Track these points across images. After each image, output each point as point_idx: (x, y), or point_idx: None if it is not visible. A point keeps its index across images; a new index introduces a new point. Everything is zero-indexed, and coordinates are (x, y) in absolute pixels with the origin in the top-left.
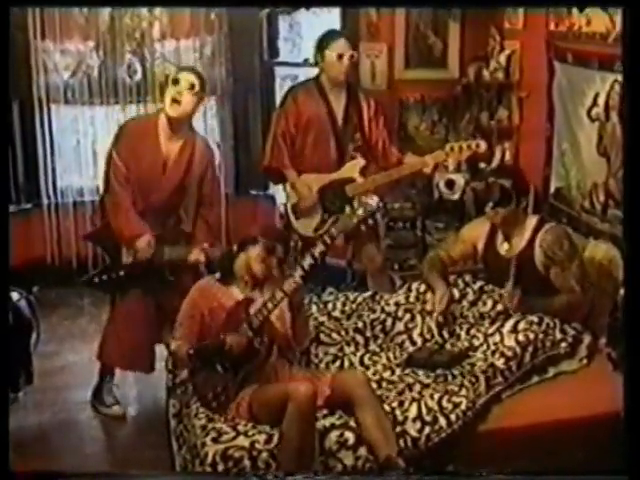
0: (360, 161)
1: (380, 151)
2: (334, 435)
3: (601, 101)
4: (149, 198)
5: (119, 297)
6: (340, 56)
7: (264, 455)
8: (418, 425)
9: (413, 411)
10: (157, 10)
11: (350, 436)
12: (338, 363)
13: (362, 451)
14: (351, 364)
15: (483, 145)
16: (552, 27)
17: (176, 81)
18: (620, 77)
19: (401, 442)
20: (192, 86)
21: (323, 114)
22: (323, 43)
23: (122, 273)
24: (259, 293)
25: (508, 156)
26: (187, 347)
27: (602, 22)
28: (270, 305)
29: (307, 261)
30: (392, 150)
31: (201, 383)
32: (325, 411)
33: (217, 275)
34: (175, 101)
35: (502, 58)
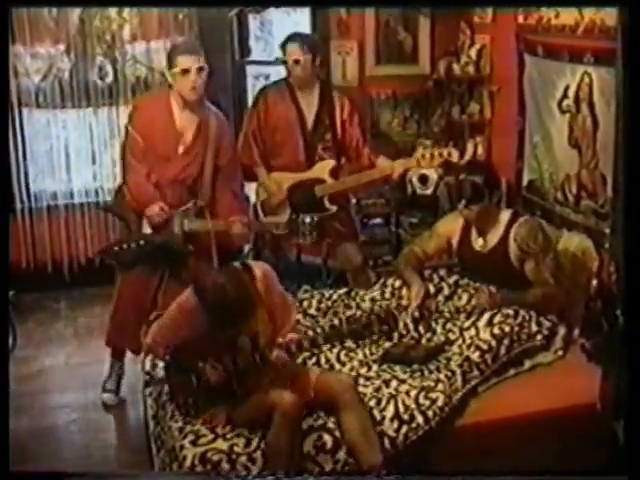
0: (330, 162)
1: (353, 152)
2: (312, 438)
3: (571, 93)
4: (166, 172)
5: (125, 272)
6: (285, 61)
7: (243, 459)
8: (395, 425)
9: (390, 410)
10: (126, 12)
11: (328, 439)
12: (314, 360)
13: (341, 454)
14: (327, 360)
15: (455, 153)
16: (521, 20)
17: (186, 71)
18: (590, 68)
19: (379, 443)
20: (200, 69)
21: (292, 114)
22: (282, 45)
23: (142, 242)
24: None
25: (480, 150)
26: (163, 350)
27: (571, 14)
28: (257, 358)
29: None
30: (365, 151)
31: (176, 386)
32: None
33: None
34: (193, 88)
35: (472, 52)
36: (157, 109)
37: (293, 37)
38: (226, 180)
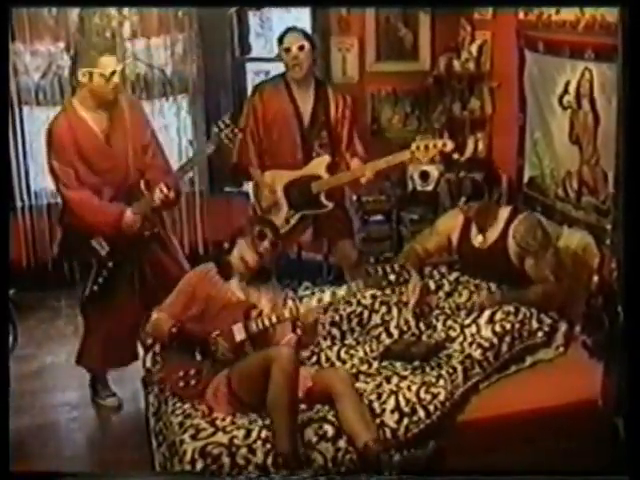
0: (326, 158)
1: (344, 150)
2: (312, 428)
3: (572, 89)
4: (112, 178)
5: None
6: (287, 50)
7: (243, 451)
8: (396, 416)
9: (391, 403)
10: (126, 9)
11: (329, 428)
12: (315, 358)
13: (342, 443)
14: (327, 359)
15: (450, 144)
16: (522, 16)
17: (112, 74)
18: (590, 64)
19: (380, 433)
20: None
21: (289, 111)
22: (279, 40)
23: (110, 264)
24: (258, 292)
25: (481, 146)
26: (170, 324)
27: (571, 10)
28: (274, 319)
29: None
30: (357, 149)
31: (172, 365)
32: (303, 406)
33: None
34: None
35: (473, 48)
36: (68, 126)
37: (292, 28)
38: (153, 157)
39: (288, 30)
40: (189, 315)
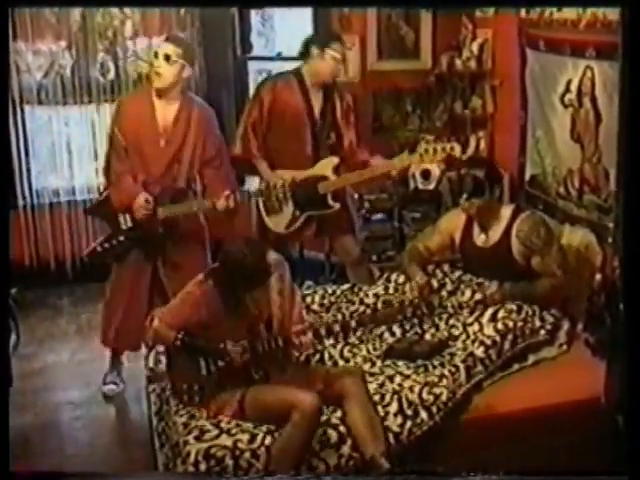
0: (334, 159)
1: (347, 152)
2: (316, 433)
3: (573, 87)
4: (151, 167)
5: (117, 268)
6: (335, 59)
7: (246, 455)
8: (400, 420)
9: (394, 406)
10: (128, 8)
11: (333, 434)
12: (318, 357)
13: (345, 449)
14: (331, 357)
15: (457, 148)
16: (523, 15)
17: (155, 54)
18: (592, 62)
19: (384, 438)
20: (167, 57)
21: (301, 108)
22: (316, 40)
23: (122, 238)
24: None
25: (483, 145)
26: (174, 333)
27: (573, 9)
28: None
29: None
30: (361, 150)
31: (177, 371)
32: None
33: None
34: (156, 74)
35: (474, 47)
36: (139, 105)
37: (332, 34)
38: (216, 170)
39: (338, 38)
40: (192, 325)
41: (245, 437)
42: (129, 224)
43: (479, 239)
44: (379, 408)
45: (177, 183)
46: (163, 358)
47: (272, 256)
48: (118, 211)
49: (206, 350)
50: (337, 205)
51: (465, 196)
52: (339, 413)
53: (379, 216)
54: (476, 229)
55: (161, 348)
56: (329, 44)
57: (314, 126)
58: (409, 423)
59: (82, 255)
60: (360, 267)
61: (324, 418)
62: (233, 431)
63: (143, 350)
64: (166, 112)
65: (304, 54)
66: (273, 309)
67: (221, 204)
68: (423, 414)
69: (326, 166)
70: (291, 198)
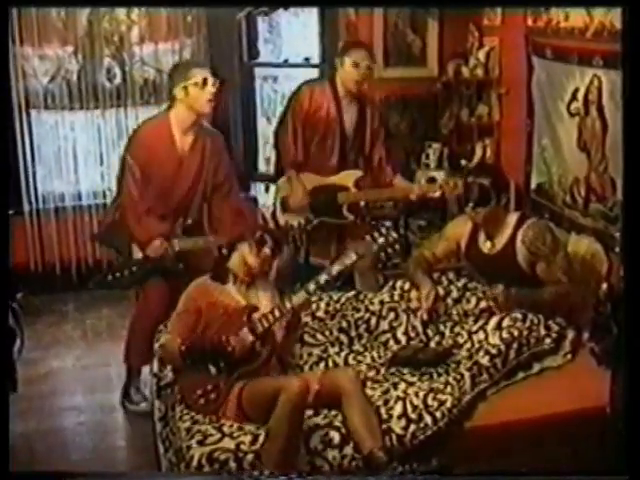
0: (357, 172)
1: (375, 166)
2: (319, 434)
3: (580, 96)
4: (169, 198)
5: (139, 291)
6: (356, 65)
7: (250, 457)
8: (403, 423)
9: (398, 409)
10: (135, 13)
11: (335, 435)
12: (323, 364)
13: (348, 450)
14: (335, 365)
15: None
16: (530, 23)
17: (205, 81)
18: (599, 71)
19: (386, 440)
20: (216, 81)
21: (333, 117)
22: (345, 49)
23: (135, 269)
24: (256, 294)
25: (489, 153)
26: (179, 342)
27: (580, 17)
28: (277, 314)
29: (322, 277)
30: (386, 168)
31: (188, 383)
32: (310, 412)
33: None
34: (210, 100)
35: (481, 55)
36: (158, 135)
37: (362, 44)
38: (224, 196)
39: (358, 45)
40: (196, 328)
41: (247, 439)
42: (140, 255)
43: (485, 246)
44: (382, 411)
45: (191, 214)
46: (174, 375)
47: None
48: (131, 240)
49: (206, 346)
50: (351, 216)
51: (471, 205)
52: (341, 417)
53: (385, 224)
54: (482, 236)
55: None
56: (349, 52)
57: (343, 137)
58: (413, 427)
59: (89, 285)
60: (369, 274)
61: (326, 420)
62: (235, 434)
63: None
64: (184, 141)
65: (334, 64)
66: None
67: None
68: (427, 419)
69: (349, 177)
70: (310, 202)
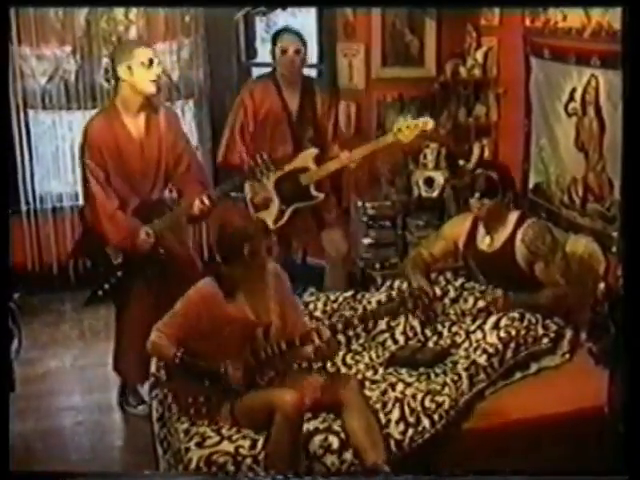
0: (313, 150)
1: (330, 142)
2: (318, 439)
3: (578, 96)
4: (140, 185)
5: (121, 303)
6: (284, 51)
7: (248, 461)
8: (401, 427)
9: (396, 413)
10: (133, 14)
11: (334, 440)
12: (320, 364)
13: (347, 455)
14: (333, 364)
15: (431, 123)
16: (528, 23)
17: (151, 61)
18: (597, 71)
19: (386, 446)
20: (151, 61)
21: (278, 108)
22: (274, 39)
23: (119, 274)
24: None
25: (487, 153)
26: (174, 349)
27: (578, 17)
28: (283, 346)
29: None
30: (333, 148)
31: (180, 387)
32: (309, 415)
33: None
34: (154, 81)
35: (479, 55)
36: (109, 127)
37: (288, 29)
38: (185, 171)
39: (285, 30)
40: (192, 336)
41: (246, 443)
42: (120, 258)
43: (484, 242)
44: (381, 415)
45: (155, 195)
46: (166, 373)
47: (271, 265)
48: (110, 247)
49: (205, 371)
50: (321, 195)
51: (477, 195)
52: (340, 422)
53: (382, 223)
54: (481, 231)
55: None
56: (277, 40)
57: (292, 123)
58: (411, 431)
59: (83, 304)
60: (341, 269)
61: (326, 425)
62: (234, 437)
63: None
64: (138, 125)
65: (272, 56)
66: (272, 317)
67: (196, 206)
68: (425, 422)
69: (306, 158)
70: (276, 192)
